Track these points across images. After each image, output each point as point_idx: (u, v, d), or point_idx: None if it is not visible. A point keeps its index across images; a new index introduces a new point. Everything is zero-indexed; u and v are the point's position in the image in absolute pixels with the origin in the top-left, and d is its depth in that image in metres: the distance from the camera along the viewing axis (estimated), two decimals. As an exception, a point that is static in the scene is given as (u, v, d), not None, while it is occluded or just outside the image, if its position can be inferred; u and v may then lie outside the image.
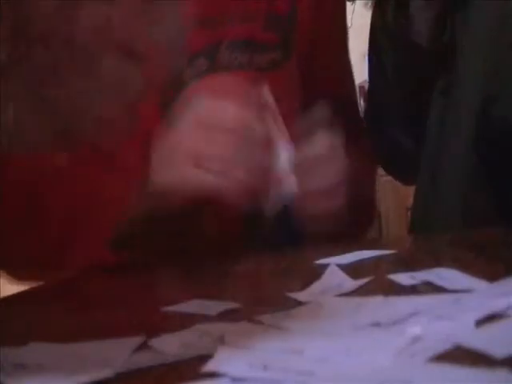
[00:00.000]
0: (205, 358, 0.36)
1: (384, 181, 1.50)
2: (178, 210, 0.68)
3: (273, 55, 0.82)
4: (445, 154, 0.77)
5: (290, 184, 0.69)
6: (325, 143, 0.74)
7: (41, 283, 0.75)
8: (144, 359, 0.38)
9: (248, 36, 0.80)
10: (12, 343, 0.43)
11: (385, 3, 0.81)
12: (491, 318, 0.38)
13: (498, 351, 0.33)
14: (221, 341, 0.39)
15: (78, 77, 0.26)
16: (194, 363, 0.36)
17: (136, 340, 0.41)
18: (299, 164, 0.70)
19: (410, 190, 0.92)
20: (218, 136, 0.67)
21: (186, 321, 0.45)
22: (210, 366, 0.35)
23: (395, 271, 0.52)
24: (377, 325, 0.39)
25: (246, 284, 0.63)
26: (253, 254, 0.77)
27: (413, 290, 0.46)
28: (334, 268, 0.56)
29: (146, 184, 0.69)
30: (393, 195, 2.15)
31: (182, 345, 0.40)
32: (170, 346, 0.40)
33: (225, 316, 0.46)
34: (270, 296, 0.55)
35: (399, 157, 0.92)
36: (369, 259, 0.60)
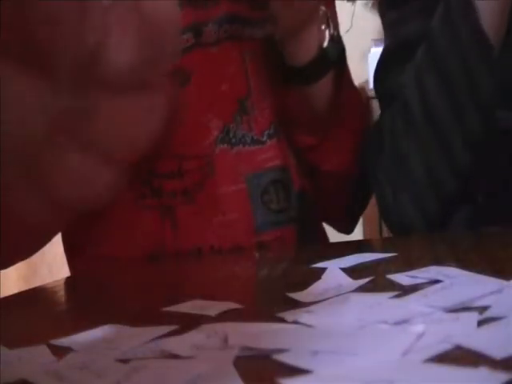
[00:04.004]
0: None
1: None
2: None
3: (261, 30, 0.83)
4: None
5: None
6: None
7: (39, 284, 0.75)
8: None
9: (235, 11, 0.80)
10: (12, 343, 0.43)
11: None
12: (491, 319, 0.38)
13: (498, 351, 0.33)
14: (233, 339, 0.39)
15: None
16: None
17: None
18: None
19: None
20: None
21: (187, 321, 0.45)
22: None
23: (395, 271, 0.52)
24: (380, 324, 0.39)
25: (246, 284, 0.63)
26: (253, 254, 0.77)
27: (413, 289, 0.46)
28: (334, 268, 0.56)
29: None
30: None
31: (193, 345, 0.40)
32: (180, 346, 0.40)
33: (225, 316, 0.46)
34: (270, 296, 0.55)
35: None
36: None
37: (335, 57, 0.81)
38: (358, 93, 0.93)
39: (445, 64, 0.71)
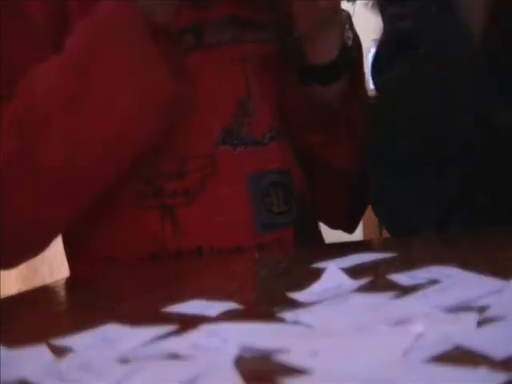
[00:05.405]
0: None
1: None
2: None
3: (263, 33, 0.83)
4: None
5: None
6: None
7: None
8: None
9: (238, 13, 0.80)
10: (12, 343, 0.43)
11: None
12: (491, 319, 0.38)
13: (498, 351, 0.33)
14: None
15: None
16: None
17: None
18: None
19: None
20: None
21: (187, 321, 0.45)
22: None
23: (395, 271, 0.52)
24: (380, 324, 0.39)
25: (246, 284, 0.63)
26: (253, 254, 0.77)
27: (413, 289, 0.46)
28: (334, 268, 0.56)
29: None
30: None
31: (193, 345, 0.40)
32: (181, 346, 0.40)
33: (225, 316, 0.46)
34: (270, 296, 0.55)
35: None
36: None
37: (356, 55, 0.82)
38: (366, 89, 0.93)
39: (431, 60, 0.72)
